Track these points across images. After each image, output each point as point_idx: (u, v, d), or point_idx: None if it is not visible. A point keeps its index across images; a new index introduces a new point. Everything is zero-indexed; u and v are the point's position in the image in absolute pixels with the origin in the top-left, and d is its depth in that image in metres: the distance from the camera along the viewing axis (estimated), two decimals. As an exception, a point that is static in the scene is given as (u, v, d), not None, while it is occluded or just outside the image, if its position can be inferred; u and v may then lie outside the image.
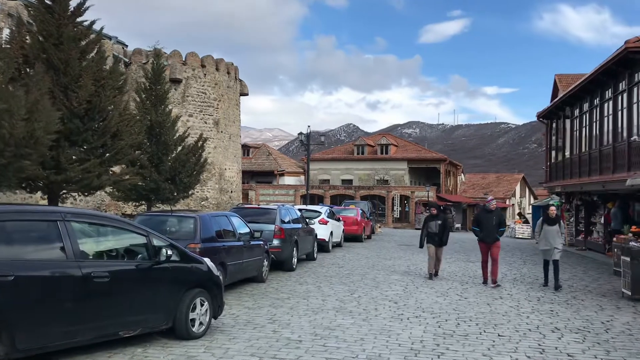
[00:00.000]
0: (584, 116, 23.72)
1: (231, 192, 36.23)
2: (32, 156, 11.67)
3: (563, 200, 28.90)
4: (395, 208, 53.51)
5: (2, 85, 11.28)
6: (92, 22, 14.95)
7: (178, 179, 19.29)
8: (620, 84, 19.26)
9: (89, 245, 6.69)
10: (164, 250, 7.29)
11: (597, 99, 21.76)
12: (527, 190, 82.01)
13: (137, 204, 20.18)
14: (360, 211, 28.55)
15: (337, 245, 23.11)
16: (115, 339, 6.86)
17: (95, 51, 14.95)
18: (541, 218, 13.87)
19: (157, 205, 19.71)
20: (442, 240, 14.49)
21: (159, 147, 18.97)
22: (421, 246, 14.89)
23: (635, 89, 17.96)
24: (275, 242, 14.56)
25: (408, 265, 17.30)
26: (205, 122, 33.40)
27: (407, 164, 60.14)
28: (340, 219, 24.52)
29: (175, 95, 31.30)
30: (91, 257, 6.64)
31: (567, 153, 26.56)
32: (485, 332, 8.59)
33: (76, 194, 15.88)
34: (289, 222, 15.90)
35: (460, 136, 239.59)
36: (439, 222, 14.55)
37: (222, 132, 34.83)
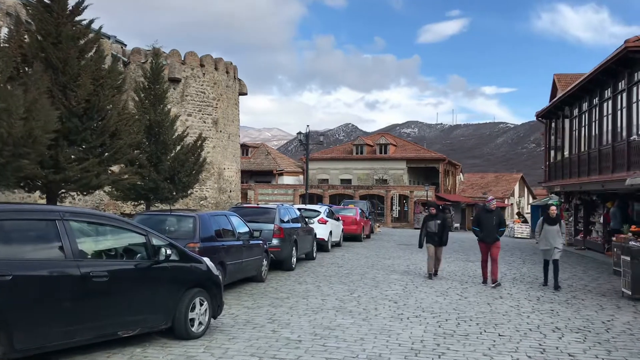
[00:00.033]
0: (583, 116, 23.71)
1: (230, 191, 36.19)
2: (30, 155, 11.64)
3: (562, 200, 28.89)
4: (394, 208, 53.48)
5: (1, 85, 11.24)
6: (91, 21, 14.93)
7: (177, 179, 19.26)
8: (620, 83, 19.25)
9: (87, 245, 6.65)
10: (163, 249, 7.26)
11: (597, 98, 21.74)
12: (525, 189, 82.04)
13: (136, 203, 20.15)
14: (360, 211, 28.51)
15: (337, 244, 23.07)
16: (114, 339, 6.83)
17: (94, 50, 14.92)
18: (541, 218, 13.84)
19: (156, 204, 19.68)
20: (442, 240, 14.45)
21: (158, 147, 18.93)
22: (420, 246, 14.85)
23: (634, 89, 17.95)
24: (275, 241, 14.53)
25: (407, 265, 17.28)
26: (204, 122, 33.36)
27: (406, 164, 60.14)
28: (340, 218, 24.49)
29: (174, 95, 31.25)
30: (90, 256, 6.59)
31: (566, 153, 26.55)
32: (485, 331, 8.57)
33: (75, 193, 15.84)
34: (288, 222, 15.87)
35: (459, 136, 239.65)
36: (438, 221, 14.49)
37: (221, 131, 34.78)
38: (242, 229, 12.65)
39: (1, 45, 12.97)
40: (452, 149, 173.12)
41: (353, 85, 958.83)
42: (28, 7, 14.28)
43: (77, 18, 14.50)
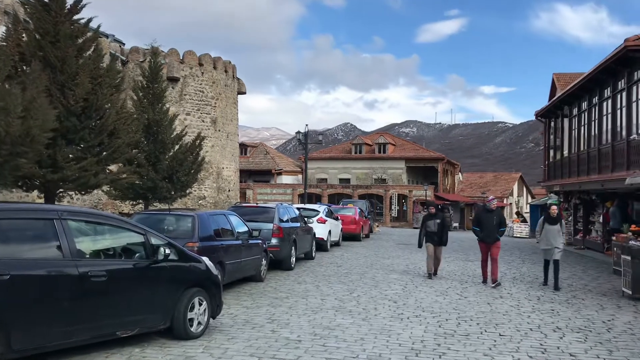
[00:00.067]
0: (583, 115, 23.68)
1: (229, 191, 36.13)
2: (28, 154, 11.58)
3: (561, 200, 28.86)
4: (393, 207, 53.45)
5: (-2, 83, 11.18)
6: (89, 20, 14.86)
7: (175, 178, 19.21)
8: (620, 83, 19.21)
9: (85, 244, 6.59)
10: (162, 249, 7.20)
11: (596, 97, 21.71)
12: (524, 189, 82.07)
13: (134, 202, 20.09)
14: (359, 210, 28.47)
15: (336, 244, 23.02)
16: (113, 339, 6.77)
17: (92, 49, 14.86)
18: (542, 217, 13.78)
19: (155, 204, 19.62)
20: (442, 240, 14.38)
21: (156, 146, 18.88)
22: (420, 246, 14.79)
23: (634, 88, 17.92)
24: (274, 241, 14.48)
25: (407, 265, 17.23)
26: (203, 121, 33.30)
27: (405, 163, 60.13)
28: (339, 217, 24.44)
29: (173, 94, 31.19)
30: (88, 256, 6.54)
31: (566, 152, 26.52)
32: (486, 331, 8.52)
33: (73, 192, 15.78)
34: (287, 221, 15.82)
35: (458, 135, 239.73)
36: (438, 221, 14.40)
37: (219, 130, 34.73)
38: (241, 228, 12.60)
39: (-1, 43, 12.91)
40: (451, 149, 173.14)
41: (352, 84, 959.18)
42: (26, 6, 14.22)
43: (76, 17, 14.44)
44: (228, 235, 11.83)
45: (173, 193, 19.37)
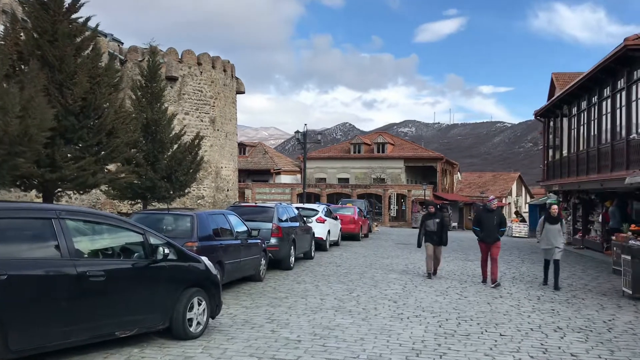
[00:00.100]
0: (582, 114, 23.66)
1: (227, 190, 36.08)
2: (26, 154, 11.53)
3: (560, 199, 28.84)
4: (392, 207, 53.42)
5: (-4, 82, 11.13)
6: (87, 19, 14.82)
7: (174, 177, 19.16)
8: (619, 82, 19.19)
9: (84, 244, 6.54)
10: (160, 248, 7.15)
11: (595, 97, 21.69)
12: (523, 189, 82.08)
13: (132, 202, 20.04)
14: (358, 210, 28.43)
15: (335, 244, 22.98)
16: (112, 340, 6.72)
17: (90, 48, 14.82)
18: (543, 217, 13.75)
19: (153, 203, 19.57)
20: (442, 240, 14.31)
21: (155, 145, 18.83)
22: (419, 245, 14.73)
23: (634, 87, 17.90)
24: (273, 240, 14.43)
25: (406, 264, 17.20)
26: (202, 120, 33.24)
27: (404, 163, 60.10)
28: (338, 217, 24.40)
29: (171, 93, 31.13)
30: (86, 255, 6.49)
31: (565, 151, 26.50)
32: (486, 331, 8.48)
33: (71, 192, 15.74)
34: (286, 221, 15.78)
35: (456, 135, 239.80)
36: (437, 220, 14.31)
37: (218, 130, 34.67)
38: (240, 228, 12.56)
39: (-3, 42, 12.86)
40: (449, 148, 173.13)
41: (350, 84, 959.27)
42: (24, 5, 14.17)
43: (74, 16, 14.41)
44: (227, 235, 11.78)
45: (172, 192, 19.33)
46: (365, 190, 53.89)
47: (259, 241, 13.10)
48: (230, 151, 36.72)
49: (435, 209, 14.84)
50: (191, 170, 20.15)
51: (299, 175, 61.52)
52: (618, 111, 19.22)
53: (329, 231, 21.41)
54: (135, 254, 7.08)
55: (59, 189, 14.19)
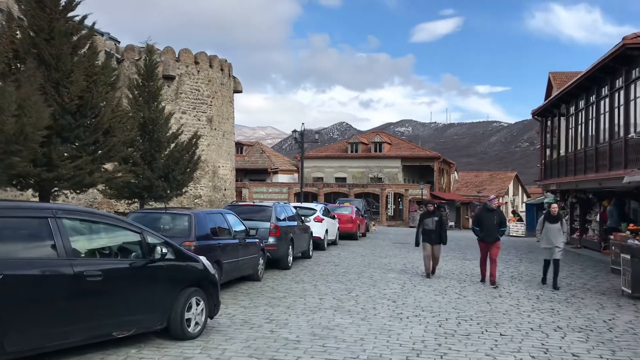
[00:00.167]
0: (580, 113, 23.64)
1: (225, 189, 35.98)
2: (22, 153, 11.44)
3: (558, 198, 28.83)
4: (389, 206, 53.39)
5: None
6: (84, 17, 14.70)
7: (171, 177, 19.07)
8: (617, 81, 19.16)
9: (81, 243, 6.46)
10: (158, 248, 7.08)
11: (594, 96, 21.67)
12: (520, 188, 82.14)
13: (129, 201, 19.94)
14: (355, 209, 28.38)
15: (333, 243, 22.93)
16: (109, 340, 6.65)
17: (87, 47, 14.71)
18: (542, 216, 13.69)
19: (150, 203, 19.47)
20: (441, 239, 14.21)
21: (152, 145, 18.73)
22: (417, 244, 14.64)
23: (632, 86, 17.86)
24: (271, 240, 14.36)
25: (404, 263, 17.15)
26: (199, 119, 33.13)
27: (401, 162, 60.07)
28: (335, 216, 24.34)
29: (169, 92, 31.01)
30: (83, 255, 6.41)
31: (562, 151, 26.48)
32: (487, 331, 8.43)
33: (68, 191, 15.63)
34: (284, 220, 15.72)
35: (453, 135, 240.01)
36: (436, 219, 14.16)
37: (215, 129, 34.57)
38: (238, 227, 12.49)
39: (-7, 40, 12.75)
40: (446, 148, 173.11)
41: (347, 84, 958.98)
42: (20, 3, 14.05)
43: (70, 14, 14.29)
44: (225, 234, 11.72)
45: (169, 192, 19.23)
46: (363, 190, 53.86)
47: (257, 240, 13.03)
48: (227, 150, 36.63)
49: (434, 207, 14.76)
50: (188, 170, 20.05)
51: (296, 175, 61.49)
52: (616, 110, 19.19)
53: (326, 230, 21.36)
54: (133, 254, 7.01)
55: (56, 188, 14.09)
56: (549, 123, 30.05)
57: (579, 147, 23.53)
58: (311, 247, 18.23)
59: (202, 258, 8.07)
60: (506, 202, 70.49)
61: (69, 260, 6.06)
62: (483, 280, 13.60)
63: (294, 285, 12.35)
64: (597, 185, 20.41)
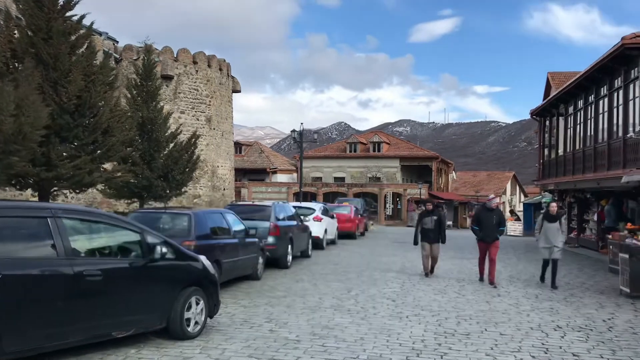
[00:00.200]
0: (578, 113, 23.65)
1: (224, 189, 35.97)
2: (20, 152, 11.43)
3: (556, 198, 28.83)
4: (387, 205, 53.41)
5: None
6: (82, 17, 14.69)
7: (170, 176, 19.06)
8: (616, 81, 19.18)
9: (80, 243, 6.44)
10: (158, 247, 7.05)
11: (592, 96, 21.68)
12: (517, 188, 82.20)
13: (129, 201, 19.92)
14: (354, 208, 28.37)
15: (331, 242, 22.93)
16: (108, 340, 6.63)
17: (85, 46, 14.70)
18: (541, 215, 13.67)
19: (149, 202, 19.46)
20: (440, 238, 14.18)
21: (151, 144, 18.72)
22: (415, 243, 14.59)
23: (631, 86, 17.87)
24: (270, 239, 14.35)
25: (403, 263, 17.15)
26: (197, 119, 33.11)
27: (399, 162, 60.12)
28: (335, 216, 24.33)
29: (167, 92, 30.98)
30: (83, 254, 6.39)
31: (561, 150, 26.49)
32: (486, 330, 8.42)
33: (67, 191, 15.62)
34: (283, 219, 15.71)
35: (451, 134, 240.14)
36: (435, 217, 14.11)
37: (214, 129, 34.55)
38: (238, 226, 12.48)
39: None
40: (444, 148, 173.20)
41: (346, 84, 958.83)
42: (18, 2, 14.02)
43: (68, 13, 14.28)
44: (224, 234, 11.71)
45: (168, 192, 19.23)
46: (361, 189, 53.88)
47: (257, 240, 13.02)
48: (226, 150, 36.62)
49: (433, 206, 14.75)
50: (187, 170, 20.05)
51: (295, 175, 61.49)
52: (615, 110, 19.20)
53: (325, 230, 21.36)
54: (133, 253, 7.00)
55: (55, 188, 14.07)
56: (547, 123, 30.07)
57: (577, 147, 23.54)
58: (310, 246, 18.23)
59: (202, 257, 8.06)
60: (504, 202, 70.54)
61: (69, 260, 6.04)
62: (482, 279, 13.59)
63: (293, 285, 12.35)
64: (595, 185, 20.43)
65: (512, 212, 54.52)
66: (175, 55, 32.47)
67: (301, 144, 33.22)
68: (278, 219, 15.18)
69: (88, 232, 6.73)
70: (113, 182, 16.03)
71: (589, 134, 22.04)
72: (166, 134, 19.51)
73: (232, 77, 37.74)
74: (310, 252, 18.08)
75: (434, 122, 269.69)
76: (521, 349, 7.42)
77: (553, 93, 27.18)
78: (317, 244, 20.10)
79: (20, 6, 13.83)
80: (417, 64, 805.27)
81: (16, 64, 13.30)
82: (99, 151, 14.46)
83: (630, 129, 17.50)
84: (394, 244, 25.25)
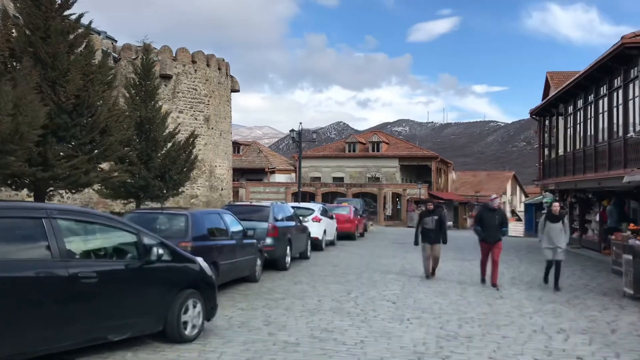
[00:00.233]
0: (578, 113, 23.55)
1: (221, 189, 35.83)
2: (17, 152, 11.31)
3: (557, 198, 28.74)
4: (387, 206, 53.30)
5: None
6: (80, 16, 14.58)
7: (168, 176, 18.93)
8: (616, 80, 19.09)
9: (75, 244, 6.32)
10: (154, 249, 6.93)
11: (592, 95, 21.59)
12: (517, 188, 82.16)
13: (125, 201, 19.78)
14: (354, 209, 28.24)
15: (331, 243, 22.79)
16: (104, 343, 6.51)
17: (83, 45, 14.60)
18: (544, 215, 13.53)
19: (146, 202, 19.33)
20: (441, 238, 14.00)
21: (149, 144, 18.59)
22: (416, 243, 14.44)
23: (631, 85, 17.78)
24: (269, 240, 14.21)
25: (403, 264, 17.03)
26: (196, 119, 32.99)
27: (399, 162, 60.03)
28: (334, 216, 24.20)
29: (166, 91, 30.85)
30: (78, 256, 6.27)
31: (561, 150, 26.40)
32: (489, 333, 8.30)
33: (63, 191, 15.50)
34: (282, 220, 15.58)
35: (450, 134, 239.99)
36: (436, 217, 13.92)
37: (212, 128, 34.42)
38: (236, 227, 12.35)
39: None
40: (443, 147, 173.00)
41: (344, 83, 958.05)
42: (16, 1, 13.90)
43: (66, 12, 14.16)
44: (222, 235, 11.57)
45: (165, 192, 19.09)
46: (360, 190, 53.77)
47: (255, 241, 12.89)
48: (224, 150, 36.49)
49: (434, 206, 14.60)
50: (185, 169, 19.92)
51: (293, 174, 61.36)
52: (615, 110, 19.11)
53: (325, 231, 21.23)
54: (129, 255, 6.88)
55: (51, 188, 13.95)
56: (547, 122, 29.98)
57: (577, 147, 23.45)
58: (309, 247, 18.10)
59: (199, 259, 7.93)
60: (504, 202, 70.49)
61: (64, 262, 5.92)
62: (483, 281, 13.46)
63: (292, 287, 12.22)
64: (596, 184, 20.33)
65: (513, 212, 54.45)
66: (174, 55, 32.35)
67: (300, 143, 33.11)
68: (276, 220, 15.04)
69: (83, 233, 6.61)
70: (110, 182, 15.90)
71: (589, 133, 21.95)
72: (164, 134, 19.38)
73: (231, 77, 37.63)
74: (309, 254, 17.95)
75: (432, 122, 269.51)
76: (524, 352, 7.30)
77: (552, 92, 27.08)
78: (316, 245, 19.96)
79: (18, 5, 13.72)
80: (416, 63, 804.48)
81: (14, 63, 13.18)
82: (96, 151, 14.33)
83: (631, 128, 17.40)
84: (394, 244, 25.14)
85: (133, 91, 19.26)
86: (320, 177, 60.90)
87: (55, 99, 13.11)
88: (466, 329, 8.55)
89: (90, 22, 15.21)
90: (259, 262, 13.06)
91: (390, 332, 8.18)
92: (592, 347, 7.69)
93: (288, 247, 15.20)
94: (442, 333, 8.23)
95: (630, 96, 17.77)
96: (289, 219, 16.36)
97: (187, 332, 7.28)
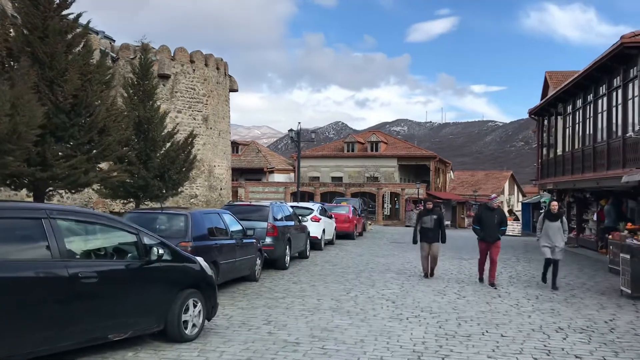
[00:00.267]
0: (577, 113, 23.59)
1: (221, 189, 35.84)
2: (15, 152, 11.30)
3: (554, 198, 28.77)
4: (385, 205, 53.34)
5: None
6: (79, 15, 14.55)
7: (167, 176, 18.93)
8: (615, 80, 19.12)
9: (76, 244, 6.33)
10: (155, 249, 6.94)
11: (591, 95, 21.62)
12: (515, 187, 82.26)
13: (125, 201, 19.79)
14: (352, 208, 28.25)
15: (329, 242, 22.81)
16: (105, 343, 6.52)
17: (81, 45, 14.57)
18: (542, 214, 13.54)
19: (146, 202, 19.32)
20: (440, 237, 14.02)
21: (147, 144, 18.58)
22: (415, 242, 14.43)
23: (630, 85, 17.81)
24: (268, 240, 14.23)
25: (402, 263, 17.05)
26: (194, 119, 32.98)
27: (397, 161, 60.07)
28: (333, 216, 24.22)
29: (164, 91, 30.85)
30: (78, 256, 6.28)
31: (559, 150, 26.43)
32: (487, 332, 8.33)
33: (63, 191, 15.48)
34: (281, 220, 15.58)
35: (448, 134, 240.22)
36: (435, 216, 13.92)
37: (211, 128, 34.42)
38: (235, 227, 12.36)
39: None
40: (441, 147, 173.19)
41: (343, 83, 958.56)
42: (14, 1, 13.88)
43: (64, 12, 14.14)
44: (222, 235, 11.58)
45: (164, 191, 19.09)
46: (359, 189, 53.82)
47: (254, 240, 12.91)
48: (223, 149, 36.48)
49: (433, 205, 14.62)
50: (184, 169, 19.91)
51: (292, 174, 61.37)
52: (614, 109, 19.14)
53: (324, 230, 21.24)
54: (129, 255, 6.89)
55: (50, 188, 13.94)
56: (545, 122, 30.02)
57: (576, 146, 23.49)
58: (308, 247, 18.13)
59: (199, 259, 7.95)
60: (502, 202, 70.58)
61: (64, 262, 5.92)
62: (481, 279, 13.50)
63: (291, 286, 12.24)
64: (594, 184, 20.36)
65: (510, 211, 54.51)
66: (172, 54, 32.34)
67: (299, 143, 33.13)
68: (276, 220, 15.05)
69: (83, 233, 6.62)
70: (109, 181, 15.89)
71: (588, 133, 21.99)
72: (163, 134, 19.37)
73: (229, 76, 37.63)
74: (308, 253, 17.98)
75: (431, 122, 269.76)
76: (523, 351, 7.32)
77: (551, 92, 27.13)
78: (315, 244, 19.98)
79: (16, 4, 13.69)
80: (414, 63, 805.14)
81: (12, 63, 13.15)
82: (94, 151, 14.31)
83: (630, 128, 17.43)
84: (393, 244, 25.16)
85: (131, 91, 19.26)
86: (319, 177, 60.92)
87: (53, 99, 13.09)
88: (465, 327, 8.58)
89: (89, 22, 15.19)
90: (258, 261, 13.07)
91: (389, 331, 8.20)
92: (590, 345, 7.72)
93: (287, 247, 15.21)
94: (441, 332, 8.25)
95: (630, 96, 17.80)
96: (288, 218, 16.36)
97: (187, 331, 7.30)
